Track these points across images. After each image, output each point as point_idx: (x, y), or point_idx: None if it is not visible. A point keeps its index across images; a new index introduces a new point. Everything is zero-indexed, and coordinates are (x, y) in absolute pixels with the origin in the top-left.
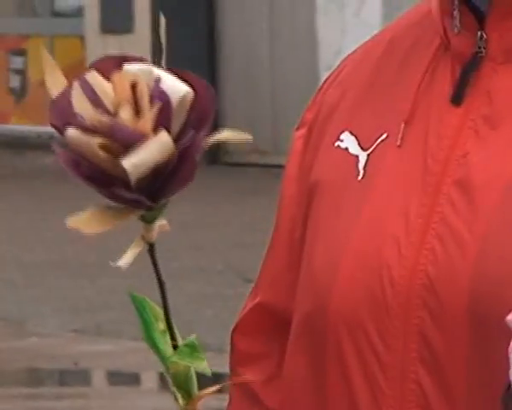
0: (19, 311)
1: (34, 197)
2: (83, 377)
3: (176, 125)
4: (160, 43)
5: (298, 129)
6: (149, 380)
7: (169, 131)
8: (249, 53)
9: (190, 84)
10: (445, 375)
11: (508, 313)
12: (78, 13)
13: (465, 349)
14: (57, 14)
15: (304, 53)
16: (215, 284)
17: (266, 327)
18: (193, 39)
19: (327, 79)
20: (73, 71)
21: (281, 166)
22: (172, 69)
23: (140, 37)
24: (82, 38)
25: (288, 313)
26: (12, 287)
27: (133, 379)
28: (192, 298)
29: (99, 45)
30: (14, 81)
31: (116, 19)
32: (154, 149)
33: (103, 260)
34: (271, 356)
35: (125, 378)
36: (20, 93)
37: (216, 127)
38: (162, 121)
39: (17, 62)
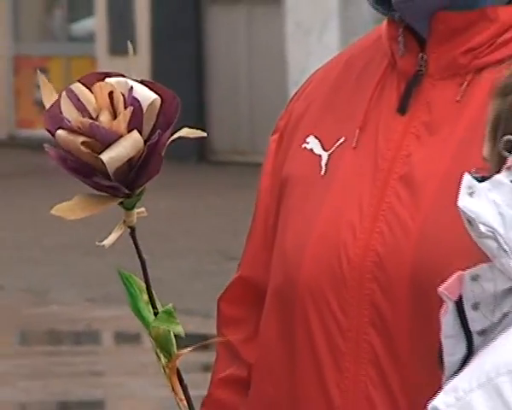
0: (41, 284)
1: (53, 191)
2: (94, 337)
3: (146, 126)
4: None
5: (272, 134)
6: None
7: (140, 132)
8: (231, 72)
9: (159, 94)
10: (392, 336)
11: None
12: (90, 38)
13: (408, 314)
14: (73, 39)
15: (275, 72)
16: (203, 262)
17: (247, 297)
18: (185, 60)
19: (295, 94)
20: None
21: (258, 165)
22: (144, 81)
23: (141, 57)
24: (94, 59)
25: (264, 286)
26: (36, 264)
27: (136, 339)
28: (184, 273)
29: (108, 65)
30: (39, 94)
31: (121, 43)
32: (127, 146)
33: None
34: (250, 321)
35: (129, 338)
36: (43, 104)
37: (205, 133)
38: (134, 123)
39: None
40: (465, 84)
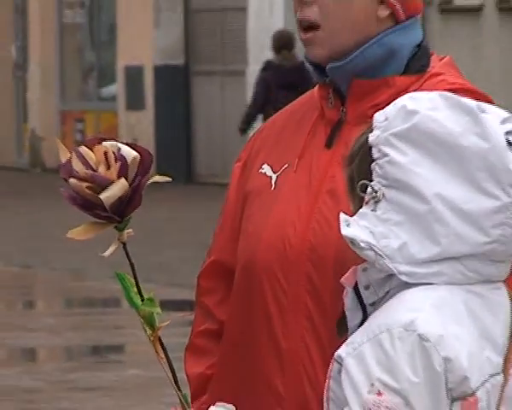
0: (81, 266)
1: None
2: (116, 302)
3: (130, 174)
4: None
5: (236, 162)
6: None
7: (126, 178)
8: (210, 120)
9: (139, 152)
10: (321, 298)
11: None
12: (113, 98)
13: (332, 283)
14: (102, 99)
15: (239, 120)
16: (190, 251)
17: (218, 274)
18: (178, 113)
19: (252, 136)
20: (110, 132)
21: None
22: (129, 143)
23: (148, 111)
24: (115, 113)
25: (229, 266)
26: (77, 252)
27: None
28: (176, 259)
29: (125, 117)
30: (78, 136)
31: (135, 102)
32: (117, 188)
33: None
34: (220, 290)
35: None
36: (80, 143)
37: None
38: (122, 172)
39: (79, 126)
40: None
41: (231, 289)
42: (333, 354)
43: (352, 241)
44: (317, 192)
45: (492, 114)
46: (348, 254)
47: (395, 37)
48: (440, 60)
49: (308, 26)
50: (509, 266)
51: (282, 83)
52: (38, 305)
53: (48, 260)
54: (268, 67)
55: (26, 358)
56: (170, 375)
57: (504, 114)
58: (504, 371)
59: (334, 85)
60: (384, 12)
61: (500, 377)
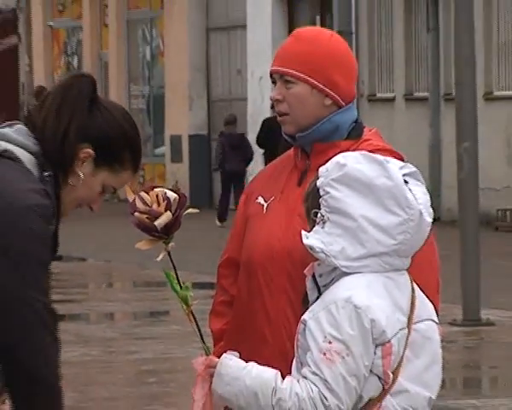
0: (141, 261)
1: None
2: (164, 284)
3: (173, 208)
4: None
5: (242, 195)
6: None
7: (170, 211)
8: None
9: (178, 194)
10: (294, 284)
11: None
12: (163, 155)
13: (301, 273)
14: (155, 156)
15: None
16: (207, 253)
17: (231, 265)
18: (203, 163)
19: (251, 181)
20: (160, 177)
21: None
22: (171, 188)
23: (185, 163)
24: (164, 165)
25: (238, 261)
26: (137, 252)
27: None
28: (201, 258)
29: (170, 167)
30: (140, 180)
31: (176, 157)
32: (165, 218)
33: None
34: (233, 276)
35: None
36: (141, 187)
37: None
38: (168, 207)
39: (140, 173)
40: None
41: (238, 276)
42: (302, 319)
43: (311, 247)
44: (291, 215)
45: (394, 164)
46: (310, 256)
47: (339, 116)
48: (370, 130)
49: (282, 114)
50: (409, 261)
51: (230, 145)
52: (115, 285)
53: (121, 257)
54: (221, 134)
55: (107, 318)
56: (198, 333)
57: (401, 163)
58: (408, 326)
59: (301, 147)
60: (329, 101)
61: (405, 331)
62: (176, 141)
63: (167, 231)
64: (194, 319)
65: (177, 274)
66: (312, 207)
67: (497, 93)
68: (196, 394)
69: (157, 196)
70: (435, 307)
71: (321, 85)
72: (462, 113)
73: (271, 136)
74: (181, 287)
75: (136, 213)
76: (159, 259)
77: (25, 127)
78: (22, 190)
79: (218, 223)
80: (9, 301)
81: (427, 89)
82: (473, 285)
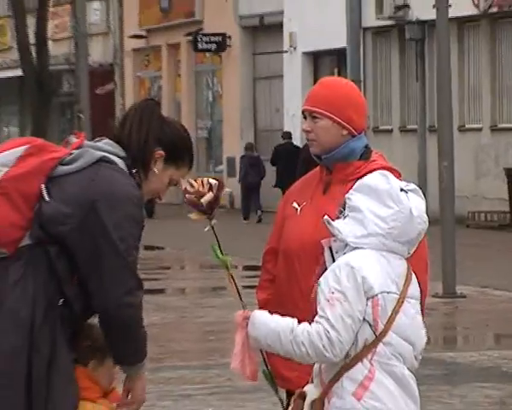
0: (178, 243)
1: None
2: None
3: (214, 190)
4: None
5: (282, 200)
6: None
7: (212, 192)
8: (267, 178)
9: (217, 180)
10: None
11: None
12: (221, 171)
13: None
14: (215, 172)
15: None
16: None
17: (273, 253)
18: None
19: (289, 190)
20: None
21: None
22: (214, 177)
23: (237, 178)
24: (222, 179)
25: (278, 250)
26: (197, 241)
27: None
28: (246, 243)
29: (227, 181)
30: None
31: (231, 171)
32: (208, 197)
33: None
34: (274, 260)
35: None
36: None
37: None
38: (210, 189)
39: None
40: (343, 187)
41: (278, 261)
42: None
43: (328, 222)
44: (318, 216)
45: (397, 180)
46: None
47: (353, 143)
48: (376, 153)
49: (311, 140)
50: (407, 250)
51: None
52: (186, 268)
53: (191, 246)
54: (242, 157)
55: (180, 292)
56: (237, 292)
57: (406, 183)
58: (401, 297)
59: (325, 166)
60: (345, 132)
61: (394, 296)
62: (231, 161)
63: (211, 207)
64: (234, 281)
65: (219, 245)
66: (341, 209)
67: (467, 126)
68: (237, 338)
69: (202, 181)
70: (425, 284)
71: (339, 120)
72: (442, 140)
73: (280, 158)
74: (222, 255)
75: (187, 195)
76: (206, 230)
77: (110, 140)
78: (124, 183)
79: (244, 221)
80: (112, 269)
81: (416, 123)
82: (450, 268)
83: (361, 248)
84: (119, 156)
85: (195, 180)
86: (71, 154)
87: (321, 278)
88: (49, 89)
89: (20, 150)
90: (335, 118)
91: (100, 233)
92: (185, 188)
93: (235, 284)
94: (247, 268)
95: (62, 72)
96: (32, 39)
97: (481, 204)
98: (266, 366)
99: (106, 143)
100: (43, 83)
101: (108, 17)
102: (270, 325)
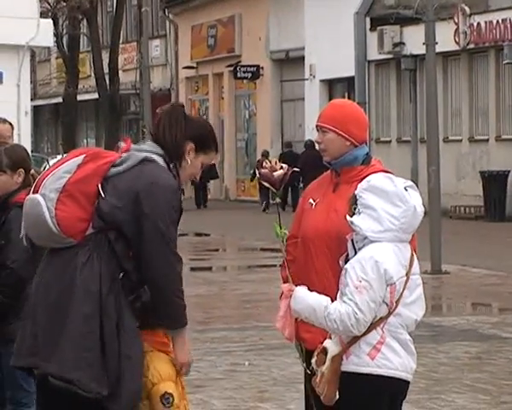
0: (244, 235)
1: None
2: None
3: (284, 169)
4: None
5: (301, 197)
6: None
7: (283, 169)
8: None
9: (285, 172)
10: (331, 249)
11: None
12: (254, 173)
13: (335, 243)
14: (250, 174)
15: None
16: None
17: (293, 239)
18: None
19: (307, 188)
20: (254, 188)
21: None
22: (283, 166)
23: None
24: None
25: (298, 237)
26: (239, 227)
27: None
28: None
29: None
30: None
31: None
32: (279, 172)
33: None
34: (295, 245)
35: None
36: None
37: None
38: (281, 168)
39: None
40: (348, 186)
41: (298, 245)
42: (341, 270)
43: (352, 223)
44: (329, 210)
45: (399, 179)
46: (341, 233)
47: (356, 152)
48: (375, 160)
49: (322, 150)
50: (410, 236)
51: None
52: (227, 250)
53: (231, 233)
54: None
55: (222, 269)
56: (286, 266)
57: (405, 180)
58: (407, 276)
59: (335, 170)
60: (348, 143)
61: (404, 278)
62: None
63: (280, 182)
64: (285, 252)
65: (279, 218)
66: (353, 205)
67: (450, 138)
68: (281, 305)
69: (276, 161)
70: (415, 248)
71: (342, 133)
72: (430, 149)
73: (287, 162)
74: (281, 229)
75: (262, 169)
76: (276, 202)
77: (150, 142)
78: (163, 177)
79: (264, 212)
80: (157, 243)
81: (410, 135)
82: (437, 250)
83: (379, 241)
84: (158, 154)
85: (270, 161)
86: (120, 157)
87: (347, 265)
88: (119, 109)
89: (79, 159)
90: (339, 132)
91: (144, 218)
92: (262, 164)
93: (286, 257)
94: (271, 250)
95: (130, 95)
96: (105, 69)
97: (461, 200)
98: (298, 340)
99: (147, 144)
100: (114, 104)
101: (167, 52)
102: (308, 300)
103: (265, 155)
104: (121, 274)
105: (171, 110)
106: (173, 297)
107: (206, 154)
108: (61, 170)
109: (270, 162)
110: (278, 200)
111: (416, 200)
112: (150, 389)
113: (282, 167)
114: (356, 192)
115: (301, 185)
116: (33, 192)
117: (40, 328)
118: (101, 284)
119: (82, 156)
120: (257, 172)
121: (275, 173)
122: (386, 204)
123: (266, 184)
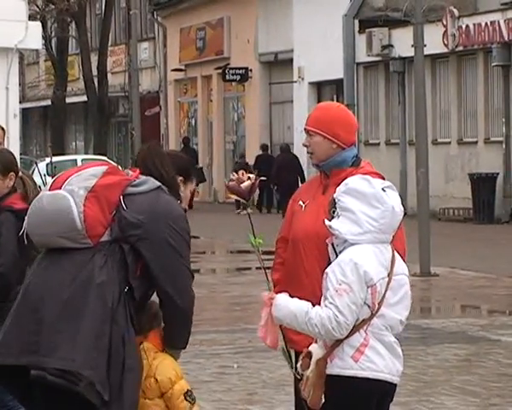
0: (231, 238)
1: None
2: (247, 250)
3: (252, 180)
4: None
5: (291, 200)
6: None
7: (250, 180)
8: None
9: (255, 175)
10: (320, 251)
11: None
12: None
13: (324, 245)
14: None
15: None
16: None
17: (284, 241)
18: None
19: (297, 190)
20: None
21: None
22: (252, 172)
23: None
24: None
25: (288, 238)
26: (235, 231)
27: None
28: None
29: None
30: None
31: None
32: (247, 184)
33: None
34: (284, 246)
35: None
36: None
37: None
38: (250, 180)
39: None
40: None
41: (288, 247)
42: (325, 272)
43: (331, 227)
44: (318, 212)
45: (376, 181)
46: (329, 234)
47: (344, 154)
48: (365, 161)
49: (309, 153)
50: (391, 237)
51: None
52: (216, 252)
53: (220, 236)
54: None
55: (211, 272)
56: (265, 275)
57: (383, 181)
58: (389, 277)
59: (324, 172)
60: (334, 145)
61: (386, 279)
62: (251, 168)
63: (249, 193)
64: (263, 264)
65: (252, 227)
66: (332, 208)
67: (439, 140)
68: (262, 313)
69: (242, 173)
70: (404, 253)
71: (328, 136)
72: (419, 152)
73: (263, 165)
74: (255, 238)
75: (230, 182)
76: (242, 213)
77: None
78: (177, 205)
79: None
80: (175, 268)
81: (398, 137)
82: (425, 252)
83: (359, 243)
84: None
85: (237, 173)
86: (138, 178)
87: (328, 269)
88: (108, 111)
89: (104, 168)
90: (325, 134)
91: (165, 242)
92: (230, 179)
93: (260, 258)
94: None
95: (118, 98)
96: (94, 72)
97: (450, 202)
98: (285, 344)
99: (152, 179)
100: (103, 107)
101: (155, 54)
102: (289, 307)
103: (242, 161)
104: (126, 288)
105: (154, 150)
106: (188, 319)
107: (192, 182)
108: (87, 172)
109: (237, 174)
110: (250, 210)
111: (394, 200)
112: (170, 388)
113: (249, 178)
114: (335, 196)
115: (275, 187)
116: (52, 189)
117: (46, 325)
118: (114, 290)
119: (106, 166)
120: (225, 184)
121: (242, 185)
122: (364, 206)
123: (235, 197)
